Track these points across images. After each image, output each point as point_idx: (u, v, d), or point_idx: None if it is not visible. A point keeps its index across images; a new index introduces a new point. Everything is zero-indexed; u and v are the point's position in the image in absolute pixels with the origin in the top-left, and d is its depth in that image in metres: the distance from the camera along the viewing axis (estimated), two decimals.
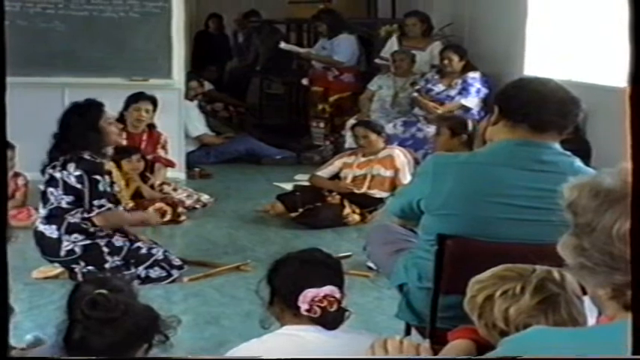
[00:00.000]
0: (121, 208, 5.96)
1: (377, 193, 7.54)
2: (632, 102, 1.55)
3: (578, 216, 1.82)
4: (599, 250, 1.77)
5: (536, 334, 1.93)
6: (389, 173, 7.55)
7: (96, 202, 5.65)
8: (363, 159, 7.67)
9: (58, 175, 5.66)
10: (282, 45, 11.53)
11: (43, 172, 5.78)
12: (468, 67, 9.35)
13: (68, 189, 5.65)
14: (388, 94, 9.86)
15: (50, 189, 5.70)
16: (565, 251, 1.87)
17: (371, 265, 5.68)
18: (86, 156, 5.66)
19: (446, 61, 9.33)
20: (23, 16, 8.67)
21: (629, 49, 1.55)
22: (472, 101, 9.15)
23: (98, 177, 5.65)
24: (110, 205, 5.70)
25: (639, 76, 1.52)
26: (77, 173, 5.62)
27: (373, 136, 7.62)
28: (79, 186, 5.63)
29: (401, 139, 9.15)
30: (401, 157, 7.63)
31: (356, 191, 7.53)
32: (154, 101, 8.01)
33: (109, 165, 5.99)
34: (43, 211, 5.77)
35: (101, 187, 5.66)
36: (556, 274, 2.52)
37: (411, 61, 9.86)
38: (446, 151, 6.09)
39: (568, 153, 3.43)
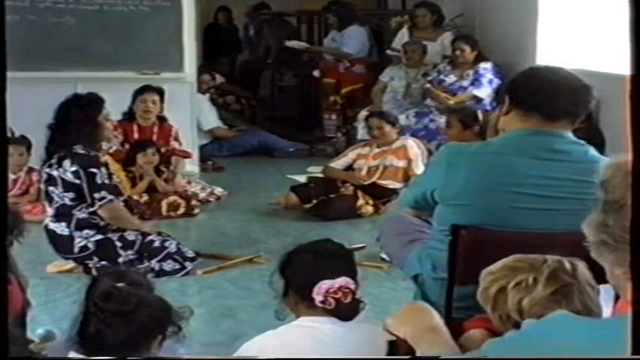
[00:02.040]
0: (121, 199, 5.94)
1: (390, 184, 7.54)
2: (632, 101, 1.56)
3: (609, 193, 1.87)
4: (621, 228, 1.80)
5: (561, 319, 1.94)
6: (402, 164, 7.54)
7: (96, 195, 5.65)
8: (377, 150, 7.67)
9: (55, 173, 5.66)
10: (288, 42, 11.54)
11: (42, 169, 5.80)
12: (480, 58, 9.33)
13: (67, 186, 5.65)
14: (400, 85, 9.85)
15: (51, 188, 5.71)
16: (589, 228, 1.90)
17: (384, 256, 5.68)
18: (80, 150, 5.65)
19: (458, 52, 9.32)
20: (34, 10, 8.68)
21: (629, 45, 1.56)
22: (484, 92, 9.14)
23: (94, 170, 5.64)
24: (111, 197, 5.69)
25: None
26: (73, 169, 5.61)
27: (387, 127, 7.61)
28: (77, 181, 5.63)
29: (413, 130, 9.14)
30: (414, 147, 7.62)
31: (364, 182, 7.51)
32: (160, 92, 8.01)
33: (104, 158, 5.98)
34: (50, 210, 5.78)
35: (99, 180, 5.65)
36: (567, 264, 2.53)
37: (423, 52, 9.85)
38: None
39: (581, 142, 3.41)
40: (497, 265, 2.63)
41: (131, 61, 8.88)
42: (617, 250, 1.83)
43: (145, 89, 7.95)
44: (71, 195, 5.67)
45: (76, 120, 5.67)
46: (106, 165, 5.85)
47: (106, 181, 5.71)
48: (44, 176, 5.75)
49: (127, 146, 7.77)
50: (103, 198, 5.66)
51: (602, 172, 1.90)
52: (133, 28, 8.92)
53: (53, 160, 5.67)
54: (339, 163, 7.87)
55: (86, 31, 8.81)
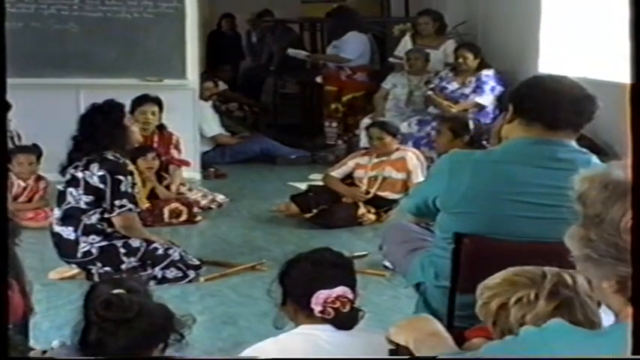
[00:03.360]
0: (138, 210, 5.94)
1: (389, 195, 7.51)
2: (632, 103, 1.56)
3: (587, 207, 1.85)
4: (605, 242, 1.79)
5: (558, 328, 1.93)
6: (400, 176, 7.49)
7: (117, 202, 5.66)
8: (376, 160, 7.62)
9: (80, 174, 5.68)
10: (289, 51, 11.55)
11: (62, 173, 5.80)
12: (482, 65, 9.33)
13: (89, 189, 5.67)
14: (403, 92, 9.85)
15: (70, 189, 5.72)
16: (572, 242, 1.88)
17: (387, 264, 5.67)
18: (110, 156, 5.69)
19: (460, 60, 9.31)
20: (37, 17, 8.70)
21: (630, 48, 1.56)
22: (487, 99, 9.13)
23: (121, 177, 5.67)
24: (131, 206, 5.72)
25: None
26: (100, 173, 5.64)
27: (388, 138, 7.56)
28: (101, 186, 5.65)
29: (416, 138, 9.15)
30: (414, 159, 7.57)
31: (362, 196, 7.49)
32: (158, 102, 7.96)
33: (132, 166, 6.00)
34: (58, 212, 5.79)
35: (123, 188, 5.67)
36: (568, 278, 2.52)
37: (425, 60, 9.85)
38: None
39: (584, 150, 3.42)
40: (496, 279, 2.62)
41: (134, 68, 8.88)
42: (602, 264, 1.81)
43: (144, 100, 7.88)
44: (89, 199, 5.68)
45: (104, 128, 5.71)
46: (131, 174, 5.86)
47: (129, 190, 5.73)
48: (67, 177, 5.75)
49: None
50: (123, 206, 5.68)
51: (577, 186, 1.88)
52: (136, 36, 8.94)
53: (80, 162, 5.70)
54: (338, 172, 7.82)
55: (89, 38, 8.83)
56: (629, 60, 1.62)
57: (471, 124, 6.85)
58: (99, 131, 5.70)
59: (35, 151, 7.44)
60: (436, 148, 7.32)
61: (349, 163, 7.85)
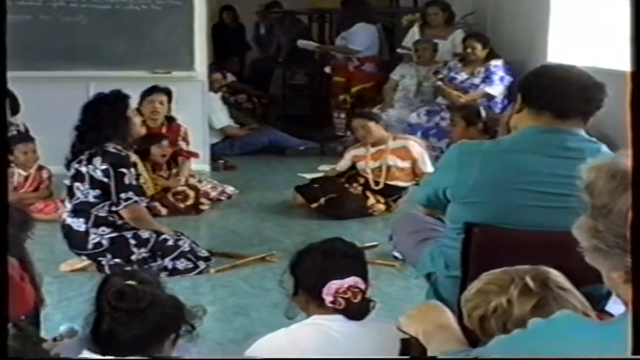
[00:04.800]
0: (145, 201, 5.96)
1: (397, 183, 7.52)
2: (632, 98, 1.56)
3: (595, 197, 1.82)
4: (613, 233, 1.77)
5: (566, 319, 1.93)
6: (407, 164, 7.50)
7: (122, 195, 5.68)
8: (373, 149, 7.61)
9: (84, 169, 5.69)
10: (299, 42, 11.56)
11: (67, 167, 5.82)
12: (491, 55, 9.31)
13: (94, 183, 5.68)
14: (411, 83, 9.85)
15: (76, 184, 5.74)
16: (580, 233, 1.87)
17: (397, 254, 5.68)
18: (111, 149, 5.69)
19: (469, 50, 9.30)
20: (46, 10, 8.71)
21: (630, 43, 1.56)
22: (496, 89, 9.12)
23: (124, 170, 5.68)
24: (137, 198, 5.73)
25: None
26: (103, 167, 5.65)
27: (371, 124, 7.57)
28: (105, 180, 5.66)
29: (425, 129, 9.15)
30: (416, 146, 7.57)
31: (374, 187, 7.50)
32: (167, 92, 7.96)
33: (134, 157, 6.00)
34: (69, 206, 5.81)
35: (127, 180, 5.69)
36: (535, 277, 2.51)
37: (434, 50, 9.84)
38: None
39: (594, 139, 3.41)
40: (472, 289, 2.61)
41: (143, 60, 8.89)
42: (610, 255, 1.79)
43: (153, 90, 7.91)
44: (96, 192, 5.70)
45: (109, 117, 5.71)
46: (135, 165, 5.88)
47: (134, 182, 5.76)
48: (72, 172, 5.77)
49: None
50: (128, 199, 5.69)
51: (584, 176, 1.87)
52: (145, 28, 8.94)
53: (83, 157, 5.71)
54: (341, 166, 7.87)
55: (98, 30, 8.84)
56: (629, 47, 1.62)
57: (483, 112, 6.84)
58: (103, 121, 5.70)
59: (31, 139, 7.49)
60: (452, 138, 7.31)
61: (346, 157, 7.87)
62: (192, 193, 7.54)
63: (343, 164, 7.86)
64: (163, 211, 7.35)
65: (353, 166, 7.76)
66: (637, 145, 1.61)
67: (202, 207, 7.56)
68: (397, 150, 7.54)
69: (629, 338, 1.61)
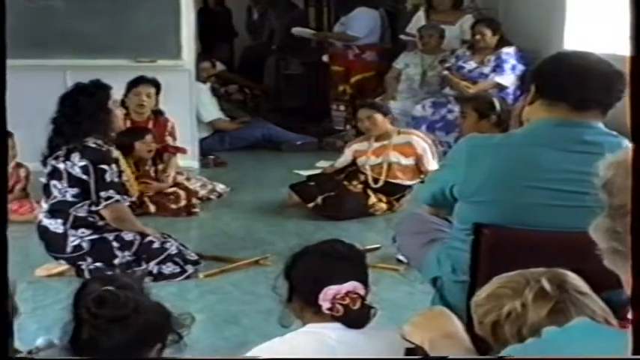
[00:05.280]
0: (128, 200, 5.94)
1: (400, 182, 7.52)
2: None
3: (613, 196, 1.82)
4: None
5: (583, 326, 1.93)
6: (410, 161, 7.51)
7: (103, 194, 5.66)
8: (376, 144, 7.62)
9: (61, 166, 5.68)
10: (294, 30, 11.54)
11: (44, 163, 5.80)
12: (502, 43, 9.32)
13: (73, 181, 5.67)
14: (416, 72, 9.85)
15: (54, 182, 5.72)
16: (597, 234, 1.86)
17: (401, 257, 5.68)
18: (91, 144, 5.67)
19: (478, 36, 9.30)
20: None
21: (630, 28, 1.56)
22: (507, 79, 9.12)
23: (105, 166, 5.67)
24: (118, 197, 5.71)
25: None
26: (82, 163, 5.64)
27: (378, 116, 7.58)
28: (84, 177, 5.65)
29: (430, 122, 9.15)
30: (420, 142, 7.58)
31: (373, 185, 7.50)
32: (156, 84, 7.97)
33: (116, 153, 6.00)
34: (45, 205, 5.80)
35: (108, 178, 5.67)
36: (551, 279, 2.51)
37: (440, 37, 9.84)
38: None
39: (614, 133, 3.39)
40: (482, 293, 2.61)
41: (124, 47, 8.87)
42: (630, 258, 1.77)
43: (140, 81, 7.90)
44: (75, 191, 5.68)
45: (87, 109, 5.69)
46: (116, 161, 5.85)
47: (115, 180, 5.74)
48: (48, 168, 5.76)
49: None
50: (109, 197, 5.68)
51: (601, 173, 1.86)
52: (127, 12, 8.90)
53: (61, 152, 5.69)
54: (339, 162, 7.88)
55: (75, 14, 8.79)
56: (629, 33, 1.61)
57: (497, 103, 6.83)
58: (82, 114, 5.67)
59: (10, 134, 7.47)
60: (461, 132, 7.31)
61: (347, 152, 7.89)
62: (183, 194, 7.54)
63: (343, 160, 7.87)
64: (152, 207, 7.35)
65: (354, 162, 7.76)
66: (637, 137, 1.60)
67: (194, 209, 7.55)
68: (400, 146, 7.55)
69: (629, 339, 1.61)
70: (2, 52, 1.81)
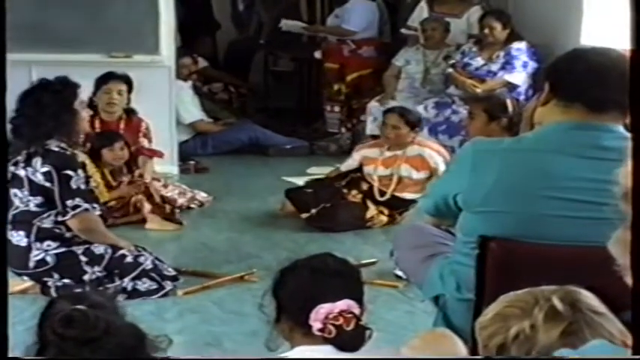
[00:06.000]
0: (98, 208, 5.90)
1: (407, 195, 7.53)
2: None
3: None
4: None
5: (600, 348, 1.94)
6: (422, 175, 7.55)
7: (69, 203, 5.63)
8: (388, 154, 7.65)
9: (22, 172, 5.65)
10: (283, 23, 11.51)
11: None
12: (513, 37, 9.32)
13: (35, 189, 5.64)
14: (417, 70, 9.86)
15: (14, 190, 5.67)
16: (617, 248, 1.87)
17: (400, 273, 5.69)
18: (54, 147, 5.64)
19: (486, 30, 9.30)
20: None
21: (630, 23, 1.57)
22: (518, 77, 9.12)
23: (70, 172, 5.64)
24: (87, 205, 5.68)
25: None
26: (44, 169, 5.61)
27: (405, 129, 7.61)
28: (47, 184, 5.62)
29: (432, 124, 9.15)
30: (434, 156, 7.62)
31: (379, 198, 7.51)
32: (127, 81, 7.97)
33: (82, 157, 5.98)
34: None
35: (74, 185, 5.64)
36: (563, 298, 2.51)
37: (444, 31, 9.85)
38: None
39: None
40: (488, 314, 2.60)
41: (98, 41, 8.85)
42: None
43: (109, 77, 7.89)
44: (38, 200, 5.67)
45: (51, 108, 5.65)
46: (83, 166, 5.83)
47: (82, 187, 5.70)
48: (8, 175, 5.73)
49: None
50: (76, 206, 5.65)
51: (622, 181, 1.86)
52: (99, 1, 8.90)
53: (20, 157, 5.66)
54: (346, 166, 7.90)
55: (43, 4, 8.77)
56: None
57: (510, 104, 6.83)
58: (43, 113, 5.63)
59: None
60: (467, 135, 7.32)
61: (355, 156, 7.91)
62: (166, 207, 7.54)
63: (350, 163, 7.89)
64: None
65: (359, 169, 7.77)
66: (637, 132, 1.61)
67: (175, 220, 7.53)
68: (413, 159, 7.58)
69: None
70: (2, 53, 1.83)
